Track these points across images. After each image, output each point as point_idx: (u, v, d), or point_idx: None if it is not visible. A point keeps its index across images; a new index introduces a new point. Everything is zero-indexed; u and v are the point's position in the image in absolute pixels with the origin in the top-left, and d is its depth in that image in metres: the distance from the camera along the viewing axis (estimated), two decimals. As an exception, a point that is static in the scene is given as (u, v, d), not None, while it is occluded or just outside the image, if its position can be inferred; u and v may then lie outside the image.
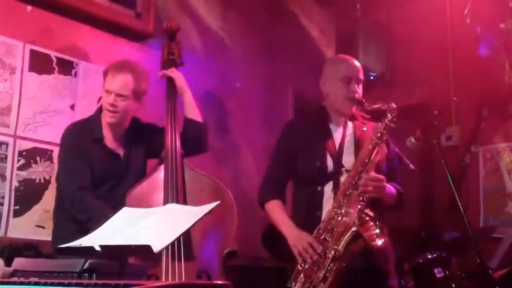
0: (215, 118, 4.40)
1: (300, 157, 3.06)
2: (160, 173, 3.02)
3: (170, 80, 3.28)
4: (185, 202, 2.95)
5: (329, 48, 5.18)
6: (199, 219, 2.04)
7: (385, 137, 2.94)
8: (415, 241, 4.28)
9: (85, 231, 2.23)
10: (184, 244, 2.79)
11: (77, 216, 2.88)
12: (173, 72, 3.28)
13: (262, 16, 4.87)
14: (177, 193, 2.94)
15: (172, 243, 1.96)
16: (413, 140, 3.11)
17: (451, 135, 4.71)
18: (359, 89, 3.08)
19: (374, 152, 2.89)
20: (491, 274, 3.16)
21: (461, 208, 2.87)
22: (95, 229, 2.14)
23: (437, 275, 3.47)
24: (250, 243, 4.06)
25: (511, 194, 4.47)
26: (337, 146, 3.03)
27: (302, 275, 2.83)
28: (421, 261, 3.51)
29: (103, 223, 2.19)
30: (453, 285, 3.44)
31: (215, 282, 2.58)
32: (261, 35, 4.83)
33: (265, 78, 4.81)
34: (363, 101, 3.03)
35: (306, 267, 2.82)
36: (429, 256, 3.51)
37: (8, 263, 2.14)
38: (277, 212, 3.05)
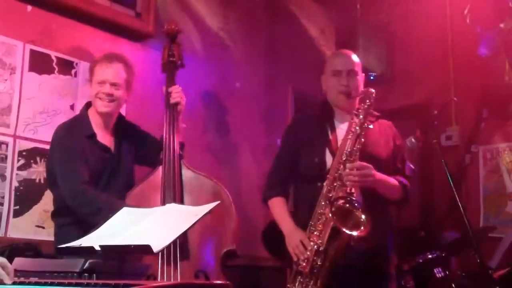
0: (215, 118, 4.41)
1: (302, 153, 3.05)
2: (159, 174, 3.03)
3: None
4: (182, 202, 2.95)
5: (329, 48, 5.17)
6: (199, 219, 2.04)
7: (365, 124, 2.91)
8: (415, 241, 4.28)
9: (87, 231, 2.23)
10: (181, 244, 2.80)
11: (82, 211, 2.87)
12: (182, 96, 3.24)
13: (262, 16, 4.87)
14: (174, 193, 2.95)
15: (170, 243, 1.96)
16: (413, 140, 3.10)
17: (451, 135, 4.70)
18: (352, 81, 3.02)
19: (357, 141, 2.86)
20: (491, 274, 3.16)
21: (461, 208, 2.86)
22: (99, 226, 2.15)
23: (437, 275, 3.46)
24: (250, 243, 4.06)
25: (511, 194, 4.46)
26: (339, 142, 2.99)
27: (298, 273, 2.80)
28: (421, 261, 3.50)
29: (111, 214, 2.20)
30: (453, 285, 3.43)
31: (215, 282, 2.59)
32: (261, 35, 4.84)
33: (265, 78, 4.81)
34: (351, 93, 3.00)
35: (300, 266, 2.79)
36: (429, 256, 3.51)
37: (8, 263, 2.14)
38: (278, 209, 3.04)
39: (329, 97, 3.11)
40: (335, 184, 2.82)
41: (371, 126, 2.99)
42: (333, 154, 2.96)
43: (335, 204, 2.73)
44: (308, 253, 2.76)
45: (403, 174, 3.07)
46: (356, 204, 2.73)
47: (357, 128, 2.89)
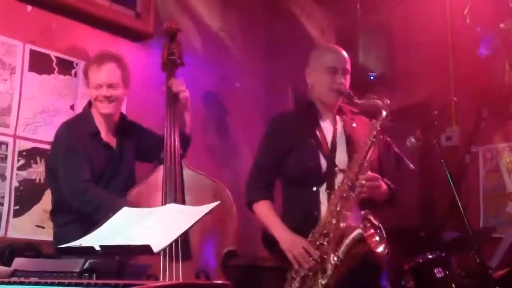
0: (215, 118, 4.41)
1: (290, 156, 2.96)
2: (160, 174, 3.03)
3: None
4: (183, 202, 2.95)
5: (329, 48, 5.17)
6: (200, 219, 2.04)
7: (381, 136, 2.86)
8: (415, 241, 4.27)
9: (88, 230, 2.23)
10: (182, 244, 2.80)
11: (82, 209, 2.87)
12: (183, 86, 3.26)
13: (262, 16, 4.87)
14: (175, 193, 2.95)
15: (170, 243, 1.96)
16: (413, 140, 3.09)
17: (451, 135, 4.70)
18: (346, 80, 2.98)
19: (370, 152, 2.81)
20: (491, 274, 3.16)
21: (461, 208, 2.86)
22: (99, 225, 2.15)
23: (437, 275, 3.46)
24: (250, 243, 4.06)
25: (511, 194, 4.46)
26: (329, 144, 2.94)
27: (297, 281, 2.75)
28: (421, 261, 3.50)
29: (111, 212, 2.20)
30: (453, 285, 3.43)
31: (215, 282, 2.59)
32: (261, 35, 4.83)
33: (265, 78, 4.81)
34: (352, 94, 2.92)
35: (302, 273, 2.74)
36: (429, 256, 3.50)
37: (8, 263, 2.14)
38: (267, 213, 2.93)
39: (317, 92, 3.03)
40: (344, 194, 2.77)
41: (354, 125, 2.99)
42: (325, 157, 2.91)
43: (367, 218, 2.72)
44: (313, 262, 2.72)
45: (388, 176, 3.04)
46: (381, 232, 2.74)
47: (374, 139, 2.82)
